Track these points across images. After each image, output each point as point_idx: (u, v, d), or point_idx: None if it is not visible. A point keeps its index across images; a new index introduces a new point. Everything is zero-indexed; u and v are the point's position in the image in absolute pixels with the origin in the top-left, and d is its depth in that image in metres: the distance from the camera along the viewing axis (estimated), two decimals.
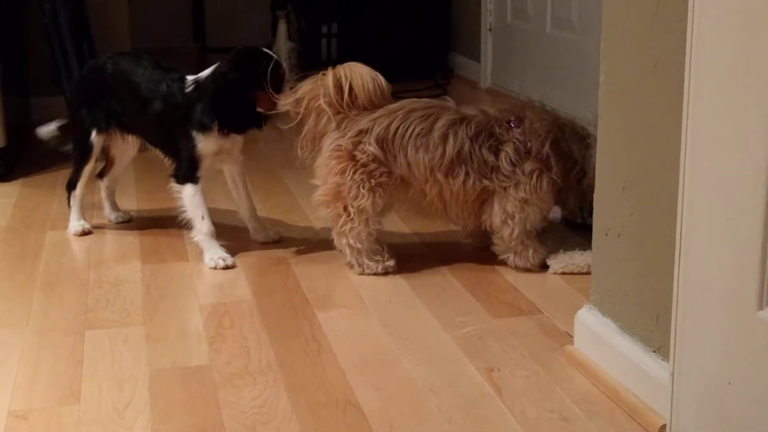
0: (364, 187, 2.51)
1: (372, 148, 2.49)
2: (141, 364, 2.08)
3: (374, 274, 2.57)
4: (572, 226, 2.76)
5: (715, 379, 1.60)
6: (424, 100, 2.63)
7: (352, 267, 2.60)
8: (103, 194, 3.03)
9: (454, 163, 2.50)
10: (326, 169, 2.53)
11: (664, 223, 1.75)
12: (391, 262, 2.59)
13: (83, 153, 2.86)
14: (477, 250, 2.74)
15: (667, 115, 1.72)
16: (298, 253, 2.76)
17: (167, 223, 2.98)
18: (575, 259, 2.58)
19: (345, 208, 2.53)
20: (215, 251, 2.63)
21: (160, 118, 2.68)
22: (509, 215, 2.53)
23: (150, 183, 3.43)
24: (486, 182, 2.52)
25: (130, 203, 3.22)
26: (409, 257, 2.66)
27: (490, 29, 5.03)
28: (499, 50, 4.97)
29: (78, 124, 2.86)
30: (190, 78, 2.65)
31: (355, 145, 2.51)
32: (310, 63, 5.76)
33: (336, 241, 2.60)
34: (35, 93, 4.28)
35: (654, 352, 1.82)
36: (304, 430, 1.80)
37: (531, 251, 2.59)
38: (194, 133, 2.60)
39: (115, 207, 3.04)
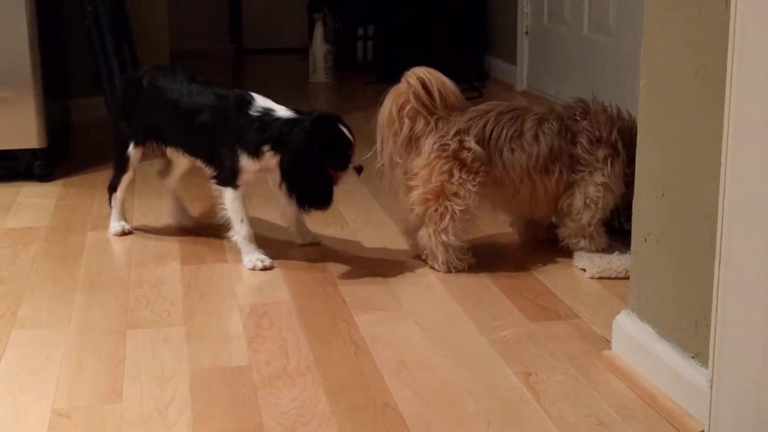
0: (468, 187, 2.55)
1: (475, 146, 2.54)
2: (182, 363, 2.10)
3: (459, 271, 2.62)
4: (609, 231, 2.75)
5: (754, 386, 1.60)
6: (505, 102, 2.71)
7: (435, 265, 2.63)
8: (169, 196, 3.04)
9: (547, 161, 2.59)
10: (429, 169, 2.56)
11: (703, 228, 1.75)
12: (473, 260, 2.66)
13: (121, 164, 2.91)
14: (513, 253, 2.76)
15: (707, 121, 1.72)
16: (336, 255, 2.77)
17: (206, 225, 3.01)
18: (612, 263, 2.58)
19: (448, 207, 2.57)
20: (254, 253, 2.66)
21: (205, 127, 2.68)
22: (592, 200, 2.62)
23: (188, 183, 3.45)
24: (573, 175, 2.63)
25: (169, 204, 3.24)
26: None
27: (527, 32, 5.02)
28: (536, 53, 4.96)
29: (117, 136, 2.93)
30: (258, 102, 2.61)
31: (460, 143, 2.55)
32: (346, 65, 5.80)
33: (429, 239, 2.61)
34: (75, 94, 4.34)
35: (693, 358, 1.82)
36: None
37: (603, 237, 2.69)
38: (240, 151, 2.59)
39: (182, 210, 3.04)
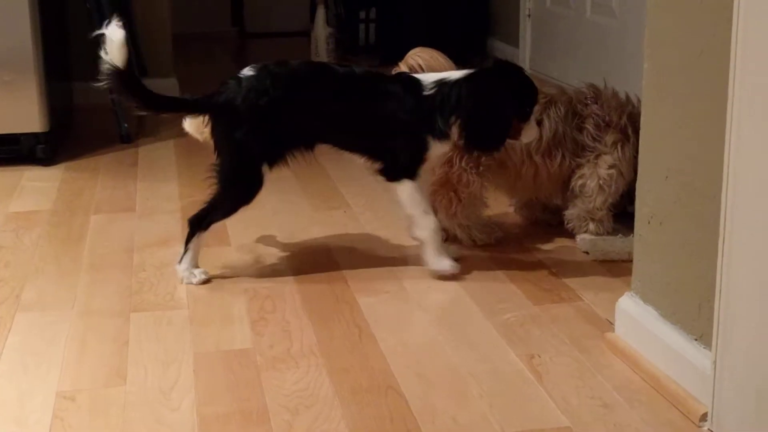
0: (472, 173, 2.57)
1: None
2: (185, 346, 2.10)
3: (485, 244, 2.66)
4: (613, 213, 2.75)
5: (757, 368, 1.60)
6: None
7: (462, 242, 2.66)
8: (194, 245, 2.47)
9: (550, 145, 2.59)
10: None
11: (707, 211, 1.75)
12: (499, 233, 2.70)
13: (245, 191, 2.41)
14: (516, 236, 2.76)
15: (711, 103, 1.72)
16: (339, 238, 2.78)
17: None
18: (616, 246, 2.58)
19: (455, 193, 2.59)
20: (443, 254, 2.44)
21: (376, 118, 2.40)
22: (605, 181, 2.61)
23: (191, 166, 3.46)
24: (578, 160, 2.62)
25: (172, 188, 3.25)
26: (448, 244, 2.68)
27: (529, 15, 5.01)
28: (538, 36, 4.95)
29: (236, 151, 2.38)
30: (426, 79, 2.38)
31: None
32: (348, 48, 5.79)
33: (446, 223, 2.63)
34: (77, 77, 4.33)
35: (696, 340, 1.83)
36: (346, 414, 1.82)
37: (610, 222, 2.67)
38: (429, 138, 2.36)
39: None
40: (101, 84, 2.30)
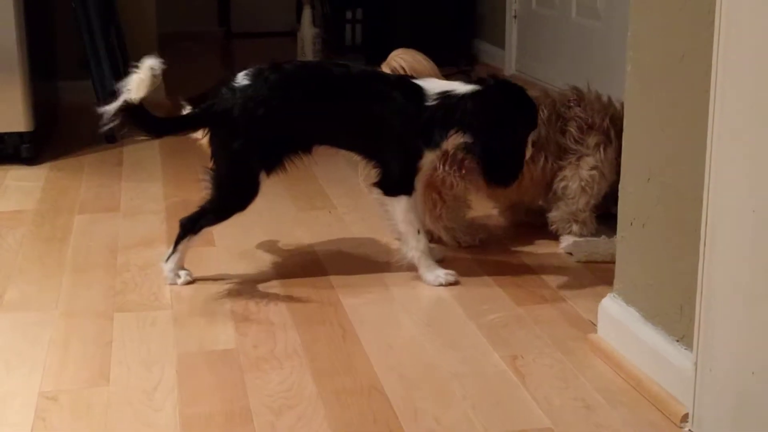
0: (456, 176, 2.58)
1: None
2: (169, 347, 2.10)
3: (469, 246, 2.68)
4: (596, 215, 2.76)
5: (738, 370, 1.61)
6: None
7: (447, 244, 2.67)
8: (183, 247, 2.45)
9: (533, 148, 2.55)
10: None
11: (689, 213, 1.76)
12: (483, 235, 2.72)
13: (239, 197, 2.40)
14: (499, 238, 2.77)
15: (693, 106, 1.73)
16: (324, 240, 2.78)
17: (192, 207, 3.01)
18: (599, 247, 2.59)
19: (440, 196, 2.60)
20: (436, 269, 2.44)
21: (372, 120, 2.37)
22: (588, 183, 2.61)
23: (176, 166, 3.46)
24: (561, 163, 2.64)
25: (157, 188, 3.24)
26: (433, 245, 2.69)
27: (515, 16, 5.02)
28: (524, 37, 4.96)
29: (234, 160, 2.36)
30: (430, 89, 2.34)
31: None
32: (335, 49, 5.79)
33: (431, 225, 2.64)
34: (63, 77, 4.33)
35: (677, 341, 1.83)
36: (329, 415, 1.82)
37: (594, 223, 2.68)
38: (423, 148, 2.35)
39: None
40: (111, 124, 2.28)
